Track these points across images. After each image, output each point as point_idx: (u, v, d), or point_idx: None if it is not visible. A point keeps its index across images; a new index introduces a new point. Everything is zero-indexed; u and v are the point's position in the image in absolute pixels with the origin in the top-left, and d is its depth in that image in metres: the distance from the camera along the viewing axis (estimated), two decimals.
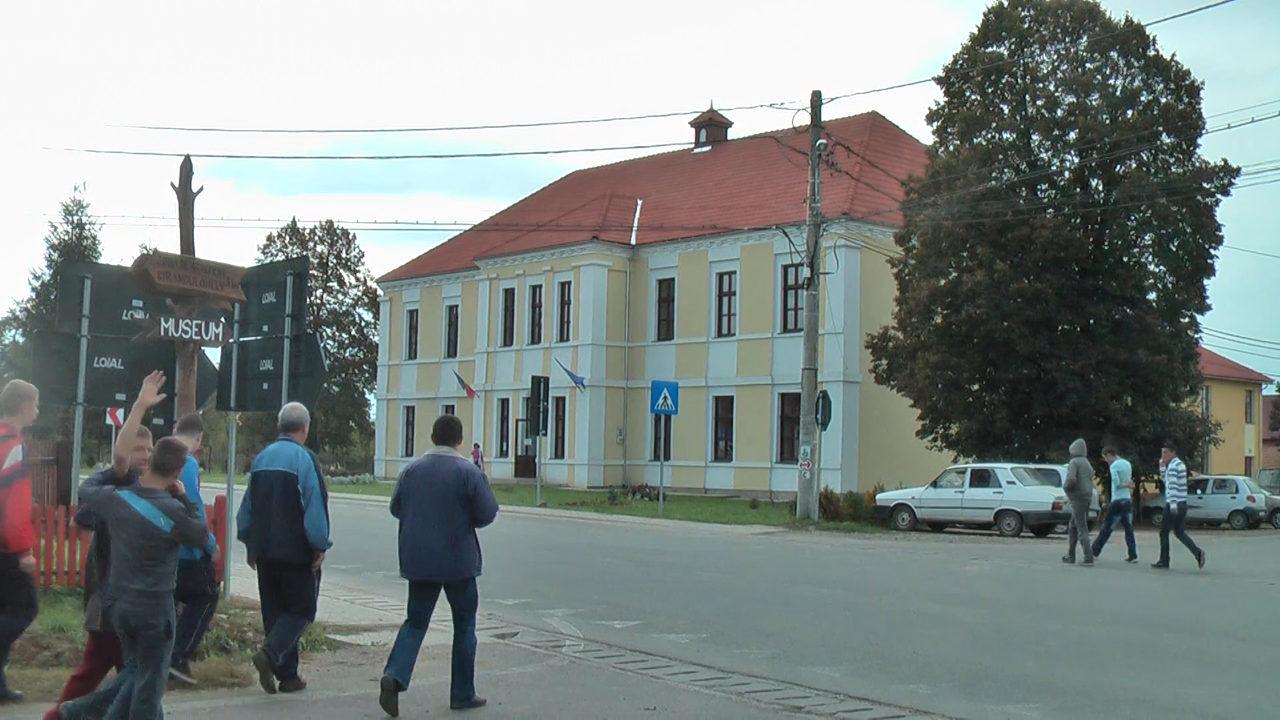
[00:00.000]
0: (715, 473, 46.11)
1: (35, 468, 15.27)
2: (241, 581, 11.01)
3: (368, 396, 74.92)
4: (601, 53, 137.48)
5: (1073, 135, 37.50)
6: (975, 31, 38.61)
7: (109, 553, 6.60)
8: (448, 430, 8.45)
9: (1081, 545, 21.29)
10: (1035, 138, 38.17)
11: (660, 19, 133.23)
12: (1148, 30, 37.37)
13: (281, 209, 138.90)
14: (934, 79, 38.75)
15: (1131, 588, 18.00)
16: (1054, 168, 38.26)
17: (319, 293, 75.24)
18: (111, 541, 6.56)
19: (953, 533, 30.25)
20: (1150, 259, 38.56)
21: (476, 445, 49.99)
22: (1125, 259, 37.71)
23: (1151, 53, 37.42)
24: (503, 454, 52.10)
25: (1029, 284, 35.05)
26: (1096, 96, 37.27)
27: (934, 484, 31.18)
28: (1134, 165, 37.09)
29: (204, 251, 12.47)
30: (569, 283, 49.85)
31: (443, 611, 8.50)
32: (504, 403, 52.75)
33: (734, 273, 46.59)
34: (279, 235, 75.03)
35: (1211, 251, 37.62)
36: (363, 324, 77.49)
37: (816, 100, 32.13)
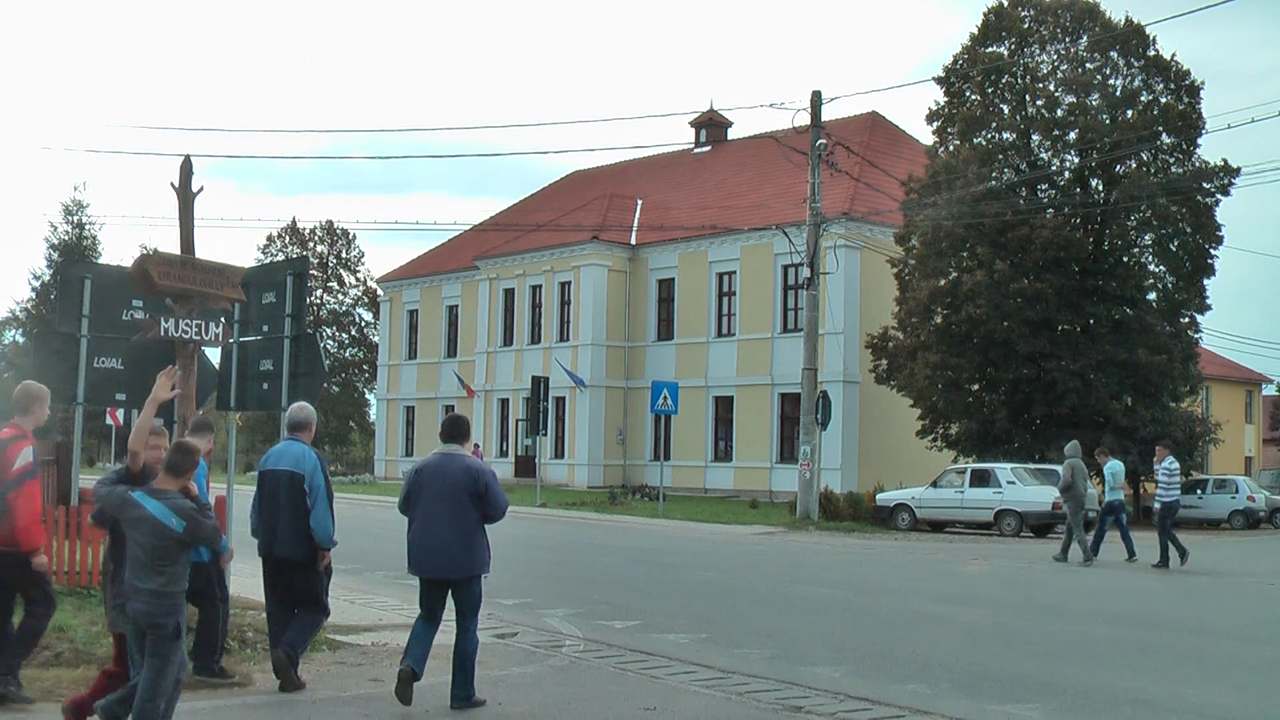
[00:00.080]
0: (715, 473, 46.11)
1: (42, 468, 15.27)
2: (241, 581, 11.00)
3: (368, 396, 74.92)
4: (601, 53, 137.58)
5: (1073, 135, 37.50)
6: (975, 31, 38.61)
7: (123, 553, 6.65)
8: (456, 428, 8.49)
9: (1079, 546, 21.30)
10: (1035, 138, 38.17)
11: (660, 19, 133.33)
12: (1148, 30, 37.40)
13: (281, 209, 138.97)
14: (934, 79, 38.80)
15: (1131, 588, 18.00)
16: (1054, 168, 38.26)
17: (319, 293, 75.25)
18: (126, 542, 6.60)
19: (953, 533, 30.25)
20: (1150, 259, 38.56)
21: (476, 445, 49.92)
22: (1125, 259, 37.71)
23: (1151, 53, 37.41)
24: (503, 454, 52.09)
25: (1029, 284, 35.05)
26: (1096, 96, 37.26)
27: (934, 484, 31.19)
28: (1134, 165, 37.09)
29: (204, 251, 12.45)
30: (569, 283, 49.85)
31: (444, 611, 8.51)
32: (504, 403, 52.75)
33: (734, 273, 46.59)
34: (279, 235, 75.12)
35: (1211, 251, 37.63)
36: (363, 324, 77.54)
37: (816, 100, 32.13)
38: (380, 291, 63.99)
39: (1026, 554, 23.68)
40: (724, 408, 46.60)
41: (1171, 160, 37.68)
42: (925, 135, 41.76)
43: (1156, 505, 21.08)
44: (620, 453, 48.95)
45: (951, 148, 38.32)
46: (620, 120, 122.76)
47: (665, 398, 34.42)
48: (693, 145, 54.73)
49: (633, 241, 49.83)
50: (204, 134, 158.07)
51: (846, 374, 41.65)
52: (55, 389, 12.06)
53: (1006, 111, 38.29)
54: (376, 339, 68.90)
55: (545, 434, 41.83)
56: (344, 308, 77.60)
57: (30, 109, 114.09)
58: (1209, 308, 38.48)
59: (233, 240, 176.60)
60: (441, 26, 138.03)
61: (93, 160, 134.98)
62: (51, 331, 14.69)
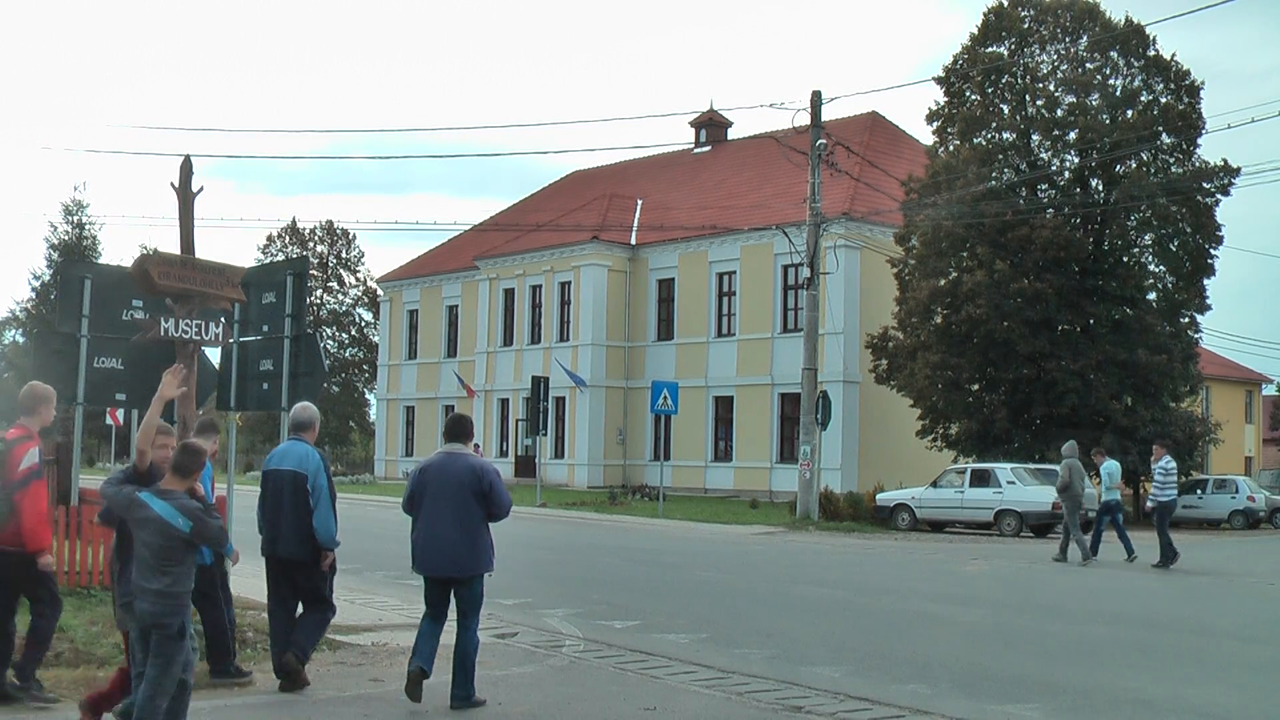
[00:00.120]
0: (715, 473, 46.11)
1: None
2: (241, 581, 11.00)
3: (368, 396, 74.93)
4: (601, 53, 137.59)
5: (1073, 135, 37.48)
6: (975, 31, 38.60)
7: (129, 552, 6.67)
8: (459, 428, 8.52)
9: (1078, 546, 21.31)
10: (1035, 138, 38.16)
11: (660, 19, 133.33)
12: (1148, 30, 37.39)
13: (281, 209, 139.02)
14: (934, 79, 38.79)
15: (1131, 588, 17.99)
16: (1054, 168, 38.25)
17: (319, 293, 75.25)
18: (132, 541, 6.61)
19: (953, 533, 30.25)
20: (1150, 259, 38.55)
21: (477, 445, 49.92)
22: (1125, 259, 37.70)
23: (1151, 53, 37.41)
24: (503, 454, 52.08)
25: (1029, 284, 35.04)
26: (1096, 96, 37.26)
27: (934, 484, 31.19)
28: (1134, 165, 37.08)
29: (204, 251, 12.46)
30: (569, 283, 49.85)
31: (449, 609, 8.52)
32: (504, 403, 52.76)
33: (734, 273, 46.59)
34: (279, 235, 75.12)
35: (1211, 251, 37.61)
36: (363, 324, 77.54)
37: (816, 100, 32.13)
38: (380, 291, 63.99)
39: (1026, 554, 23.68)
40: (724, 408, 46.60)
41: (1171, 160, 37.67)
42: (925, 135, 41.83)
43: (1149, 505, 21.07)
44: (620, 453, 48.95)
45: (951, 148, 38.32)
46: (620, 120, 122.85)
47: (665, 398, 34.42)
48: (693, 145, 54.74)
49: (633, 241, 49.83)
50: (204, 134, 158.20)
51: (846, 374, 41.65)
52: (55, 389, 12.06)
53: (1006, 111, 38.28)
54: (376, 339, 68.91)
55: (545, 434, 41.83)
56: (344, 308, 77.63)
57: (30, 109, 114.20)
58: (1209, 308, 38.51)
59: (233, 240, 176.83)
60: (441, 26, 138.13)
61: (93, 160, 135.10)
62: (51, 331, 14.66)
